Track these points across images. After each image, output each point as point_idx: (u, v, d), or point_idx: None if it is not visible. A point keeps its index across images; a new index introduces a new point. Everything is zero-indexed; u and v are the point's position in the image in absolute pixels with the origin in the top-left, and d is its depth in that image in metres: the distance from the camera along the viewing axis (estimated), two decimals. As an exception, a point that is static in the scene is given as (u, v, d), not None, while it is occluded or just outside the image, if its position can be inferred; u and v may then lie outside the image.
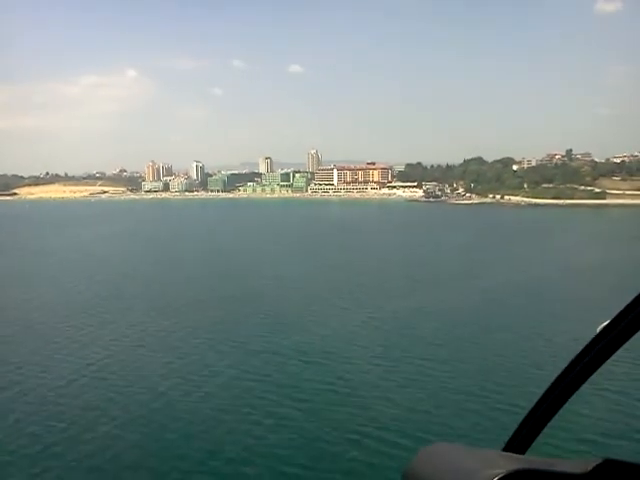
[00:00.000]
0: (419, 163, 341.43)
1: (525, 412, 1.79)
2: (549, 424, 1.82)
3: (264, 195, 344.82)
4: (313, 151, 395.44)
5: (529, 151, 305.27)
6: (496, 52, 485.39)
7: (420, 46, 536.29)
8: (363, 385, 35.57)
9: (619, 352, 1.56)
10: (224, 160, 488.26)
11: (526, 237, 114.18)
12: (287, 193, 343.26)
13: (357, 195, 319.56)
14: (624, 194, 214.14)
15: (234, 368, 39.12)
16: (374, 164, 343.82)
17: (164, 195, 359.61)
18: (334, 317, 52.71)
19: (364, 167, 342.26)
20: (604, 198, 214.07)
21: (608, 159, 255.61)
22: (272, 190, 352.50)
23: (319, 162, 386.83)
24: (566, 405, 1.76)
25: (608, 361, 1.61)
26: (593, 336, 1.60)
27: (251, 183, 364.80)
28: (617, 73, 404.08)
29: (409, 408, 31.98)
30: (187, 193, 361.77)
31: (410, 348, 42.93)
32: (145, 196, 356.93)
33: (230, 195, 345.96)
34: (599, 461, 1.41)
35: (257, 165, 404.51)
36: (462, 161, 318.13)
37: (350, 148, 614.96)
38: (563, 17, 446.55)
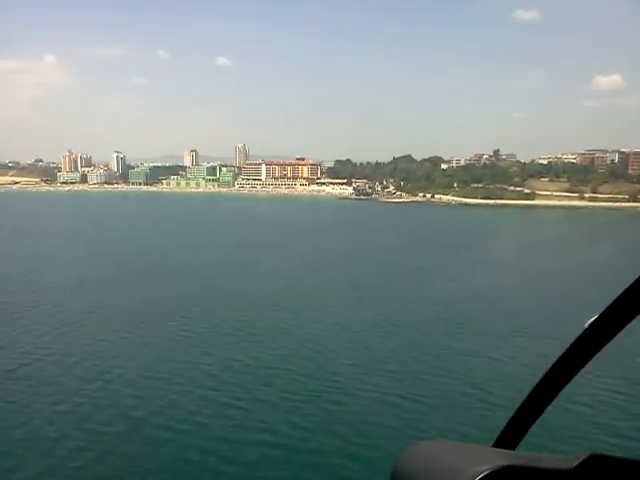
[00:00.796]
0: (348, 160, 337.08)
1: (515, 407, 1.80)
2: (540, 419, 1.83)
3: (189, 189, 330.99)
4: (240, 145, 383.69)
5: (457, 150, 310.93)
6: (421, 53, 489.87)
7: (354, 41, 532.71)
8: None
9: (606, 347, 1.61)
10: (148, 152, 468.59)
11: (467, 239, 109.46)
12: (213, 188, 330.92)
13: (285, 191, 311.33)
14: (552, 195, 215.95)
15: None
16: (303, 160, 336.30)
17: (81, 187, 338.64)
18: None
19: (293, 163, 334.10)
20: (533, 199, 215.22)
21: (533, 160, 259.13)
22: (197, 184, 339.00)
23: (247, 156, 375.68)
24: (556, 400, 1.77)
25: (596, 356, 1.66)
26: (581, 331, 1.62)
27: (175, 176, 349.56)
28: (533, 79, 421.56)
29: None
30: (106, 185, 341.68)
31: (358, 366, 37.93)
32: (61, 188, 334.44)
33: (153, 189, 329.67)
34: (586, 456, 1.43)
35: (182, 159, 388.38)
36: (392, 159, 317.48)
37: (279, 144, 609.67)
38: (484, 25, 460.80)
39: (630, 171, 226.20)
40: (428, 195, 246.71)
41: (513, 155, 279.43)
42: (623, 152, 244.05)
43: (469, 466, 1.33)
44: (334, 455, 26.56)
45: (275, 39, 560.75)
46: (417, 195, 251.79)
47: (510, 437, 1.90)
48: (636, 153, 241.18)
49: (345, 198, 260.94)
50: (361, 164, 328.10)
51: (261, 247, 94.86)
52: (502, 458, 1.37)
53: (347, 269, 75.13)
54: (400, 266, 77.62)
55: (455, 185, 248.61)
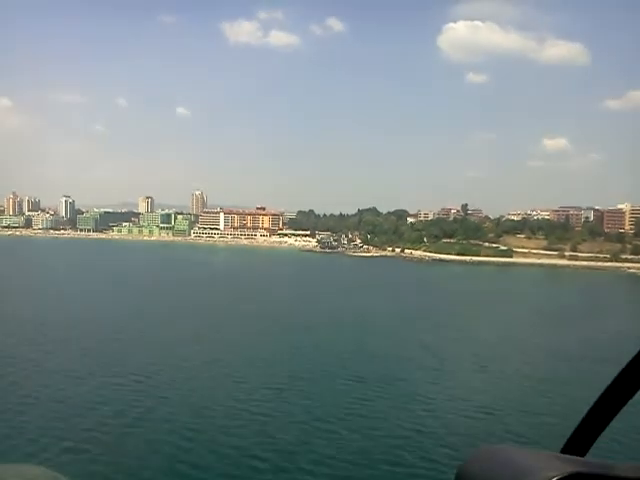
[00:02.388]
0: (311, 211, 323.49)
1: (584, 413, 1.76)
2: (610, 426, 1.76)
3: (141, 237, 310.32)
4: (198, 192, 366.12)
5: (420, 204, 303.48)
6: (385, 117, 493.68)
7: (309, 95, 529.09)
8: None
9: None
10: (103, 199, 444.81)
11: (465, 302, 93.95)
12: (167, 236, 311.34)
13: (245, 242, 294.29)
14: (530, 253, 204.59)
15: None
16: (264, 209, 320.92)
17: (25, 232, 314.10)
18: None
19: (253, 212, 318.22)
20: (511, 256, 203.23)
21: (502, 216, 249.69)
22: (150, 232, 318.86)
23: (204, 205, 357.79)
24: (629, 406, 1.68)
25: None
26: None
27: (127, 223, 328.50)
28: (484, 139, 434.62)
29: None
30: (52, 231, 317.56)
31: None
32: (2, 232, 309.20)
33: (102, 235, 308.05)
34: None
35: (137, 205, 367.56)
36: (356, 211, 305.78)
37: (239, 194, 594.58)
38: (437, 88, 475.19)
39: (606, 229, 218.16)
40: (397, 249, 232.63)
41: (479, 210, 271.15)
42: (597, 209, 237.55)
43: (539, 471, 1.29)
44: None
45: (229, 92, 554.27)
46: (385, 249, 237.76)
47: (579, 444, 1.81)
48: (610, 211, 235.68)
49: (309, 251, 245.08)
50: (324, 215, 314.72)
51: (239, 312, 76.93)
52: (573, 464, 1.32)
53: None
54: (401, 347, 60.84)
55: (425, 240, 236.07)
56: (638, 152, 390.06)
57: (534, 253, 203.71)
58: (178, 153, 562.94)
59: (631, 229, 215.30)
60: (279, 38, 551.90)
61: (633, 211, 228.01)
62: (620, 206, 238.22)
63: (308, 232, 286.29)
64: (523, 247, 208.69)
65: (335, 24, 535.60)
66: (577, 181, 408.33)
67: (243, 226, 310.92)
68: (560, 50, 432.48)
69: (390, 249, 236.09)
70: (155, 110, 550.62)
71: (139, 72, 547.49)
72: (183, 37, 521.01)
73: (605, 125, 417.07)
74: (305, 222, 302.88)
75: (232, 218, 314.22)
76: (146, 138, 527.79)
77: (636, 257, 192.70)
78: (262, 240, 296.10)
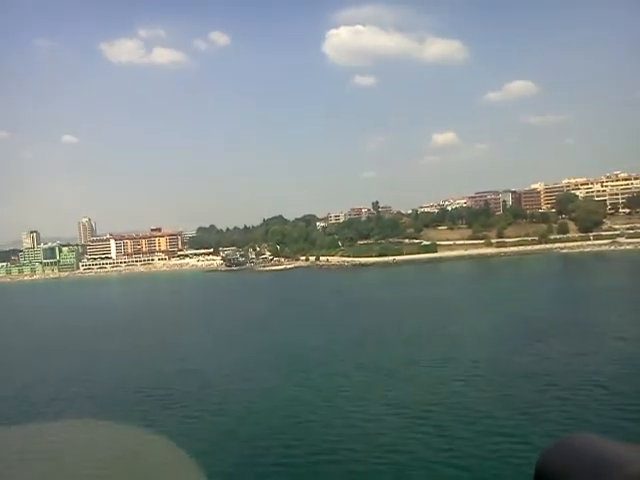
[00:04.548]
0: (212, 226, 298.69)
1: None
2: None
3: (22, 277, 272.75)
4: (85, 220, 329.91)
5: (328, 208, 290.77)
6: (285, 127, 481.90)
7: (200, 110, 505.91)
8: None
9: None
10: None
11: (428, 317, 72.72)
12: (53, 272, 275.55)
13: (142, 268, 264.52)
14: (455, 244, 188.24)
15: None
16: (160, 230, 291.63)
17: None
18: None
19: (148, 235, 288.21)
20: (436, 250, 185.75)
21: (415, 210, 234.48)
22: (33, 270, 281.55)
23: (93, 233, 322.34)
24: None
25: None
26: None
27: (3, 263, 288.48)
28: (378, 140, 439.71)
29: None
30: None
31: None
32: None
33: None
34: None
35: (21, 242, 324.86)
36: (262, 221, 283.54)
37: (131, 219, 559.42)
38: (327, 94, 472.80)
39: (528, 210, 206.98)
40: (312, 258, 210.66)
41: (389, 207, 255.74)
42: (514, 192, 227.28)
43: (630, 461, 1.24)
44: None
45: (114, 116, 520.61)
46: (299, 259, 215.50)
47: None
48: (527, 192, 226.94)
49: (214, 270, 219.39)
50: (228, 230, 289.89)
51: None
52: None
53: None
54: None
55: (340, 244, 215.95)
56: (519, 139, 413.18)
57: (459, 244, 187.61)
58: (65, 183, 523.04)
59: (548, 208, 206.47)
60: (163, 55, 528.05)
61: (547, 190, 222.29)
62: (534, 186, 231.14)
63: (211, 250, 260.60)
64: (447, 239, 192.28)
65: (219, 38, 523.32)
66: (468, 171, 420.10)
67: (138, 251, 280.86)
68: (440, 48, 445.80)
69: (304, 258, 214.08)
70: (39, 140, 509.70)
71: (18, 100, 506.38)
72: (62, 61, 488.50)
73: (488, 116, 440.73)
74: (207, 239, 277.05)
75: (125, 244, 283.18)
76: (31, 169, 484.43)
77: (564, 236, 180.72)
78: (161, 264, 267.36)
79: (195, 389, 45.59)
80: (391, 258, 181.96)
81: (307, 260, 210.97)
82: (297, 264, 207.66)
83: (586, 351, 50.53)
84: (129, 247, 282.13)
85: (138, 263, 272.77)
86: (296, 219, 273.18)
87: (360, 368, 49.22)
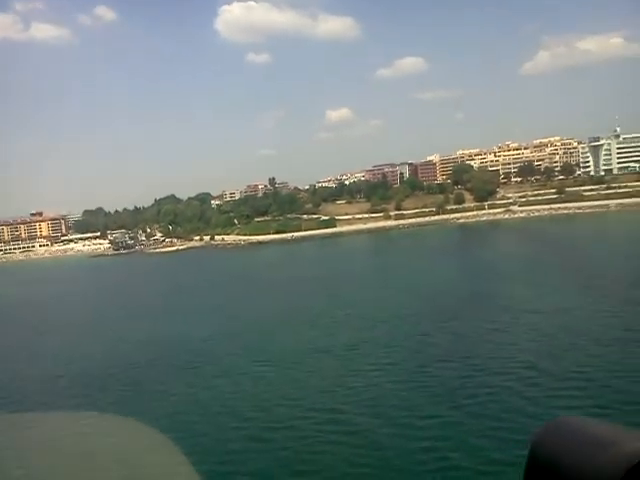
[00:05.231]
0: (100, 209, 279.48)
1: None
2: None
3: None
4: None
5: (224, 186, 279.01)
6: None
7: (84, 88, 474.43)
8: None
9: None
10: None
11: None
12: None
13: (21, 257, 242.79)
14: (354, 219, 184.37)
15: None
16: (41, 215, 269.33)
17: None
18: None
19: (27, 220, 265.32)
20: (335, 225, 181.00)
21: (313, 185, 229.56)
22: None
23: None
24: None
25: None
26: None
27: None
28: (274, 117, 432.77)
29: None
30: None
31: None
32: None
33: None
34: None
35: None
36: (153, 201, 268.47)
37: (9, 205, 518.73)
38: (221, 71, 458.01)
39: (425, 182, 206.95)
40: (207, 237, 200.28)
41: (286, 183, 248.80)
42: (411, 164, 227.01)
43: (623, 443, 1.26)
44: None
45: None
46: (192, 239, 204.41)
47: None
48: (423, 164, 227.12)
49: (100, 255, 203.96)
50: (117, 212, 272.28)
51: None
52: None
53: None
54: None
55: (236, 221, 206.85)
56: (412, 114, 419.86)
57: (358, 218, 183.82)
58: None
59: (444, 179, 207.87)
60: (44, 30, 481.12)
61: (442, 161, 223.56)
62: (430, 158, 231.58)
63: (98, 233, 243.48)
64: (346, 213, 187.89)
65: (105, 13, 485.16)
66: (365, 146, 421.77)
67: (17, 238, 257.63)
68: (332, 25, 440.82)
69: (198, 238, 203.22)
70: None
71: None
72: None
73: (380, 92, 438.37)
74: (94, 222, 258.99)
75: (1, 231, 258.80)
76: None
77: (460, 206, 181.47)
78: (43, 251, 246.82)
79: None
80: (289, 235, 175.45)
81: (201, 240, 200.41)
82: (191, 244, 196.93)
83: (502, 327, 46.27)
84: (5, 234, 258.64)
85: (17, 251, 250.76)
86: (190, 198, 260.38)
87: (259, 361, 42.21)
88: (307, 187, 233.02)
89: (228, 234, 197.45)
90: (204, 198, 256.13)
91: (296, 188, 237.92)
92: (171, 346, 48.60)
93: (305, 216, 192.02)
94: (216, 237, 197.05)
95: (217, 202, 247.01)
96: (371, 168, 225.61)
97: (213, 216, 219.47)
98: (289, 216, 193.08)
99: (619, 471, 1.21)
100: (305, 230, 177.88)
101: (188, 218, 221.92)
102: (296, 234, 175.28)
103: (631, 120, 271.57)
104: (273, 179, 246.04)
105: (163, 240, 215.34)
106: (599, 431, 1.37)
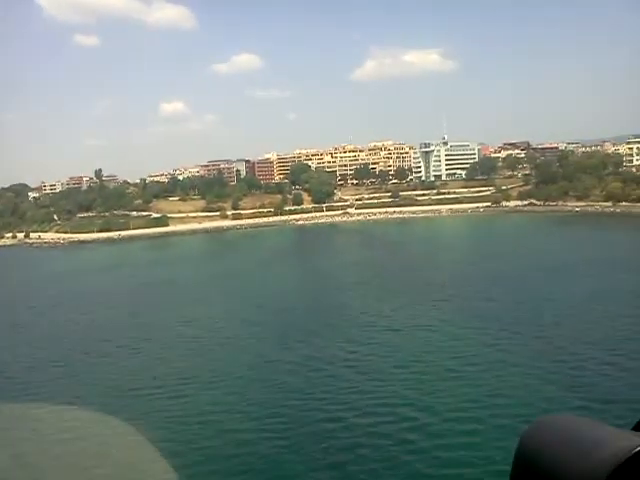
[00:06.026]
0: None
1: None
2: None
3: None
4: None
5: (43, 177, 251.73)
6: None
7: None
8: None
9: None
10: None
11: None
12: None
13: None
14: (188, 217, 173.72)
15: None
16: None
17: None
18: None
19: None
20: (167, 224, 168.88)
21: (144, 180, 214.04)
22: None
23: None
24: None
25: None
26: None
27: None
28: (103, 106, 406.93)
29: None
30: None
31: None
32: None
33: None
34: None
35: None
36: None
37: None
38: (43, 52, 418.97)
39: (262, 181, 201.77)
40: (20, 235, 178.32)
41: (115, 176, 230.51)
42: (248, 161, 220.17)
43: (615, 441, 1.26)
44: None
45: None
46: (3, 236, 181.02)
47: None
48: (260, 162, 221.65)
49: None
50: None
51: None
52: None
53: None
54: None
55: (56, 217, 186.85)
56: (247, 112, 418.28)
57: (193, 217, 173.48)
58: None
59: (281, 178, 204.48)
60: None
61: (280, 160, 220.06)
62: (267, 156, 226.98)
63: None
64: (179, 211, 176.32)
65: None
66: (200, 141, 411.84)
67: None
68: (167, 13, 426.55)
69: (10, 235, 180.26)
70: None
71: None
72: None
73: (216, 88, 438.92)
74: None
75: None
76: None
77: (299, 207, 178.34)
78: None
79: None
80: (116, 233, 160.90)
81: (14, 237, 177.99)
82: (0, 243, 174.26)
83: (357, 347, 41.44)
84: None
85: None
86: (2, 189, 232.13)
87: (50, 408, 33.40)
88: (138, 181, 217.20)
89: (46, 231, 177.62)
90: (19, 190, 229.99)
91: (125, 182, 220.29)
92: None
93: (135, 213, 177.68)
94: (32, 234, 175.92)
95: (35, 195, 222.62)
96: (206, 163, 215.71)
97: (29, 210, 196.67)
98: (116, 212, 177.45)
99: (605, 470, 1.21)
100: (134, 228, 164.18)
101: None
102: (123, 233, 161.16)
103: (456, 128, 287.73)
104: (100, 171, 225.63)
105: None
106: (587, 429, 1.37)
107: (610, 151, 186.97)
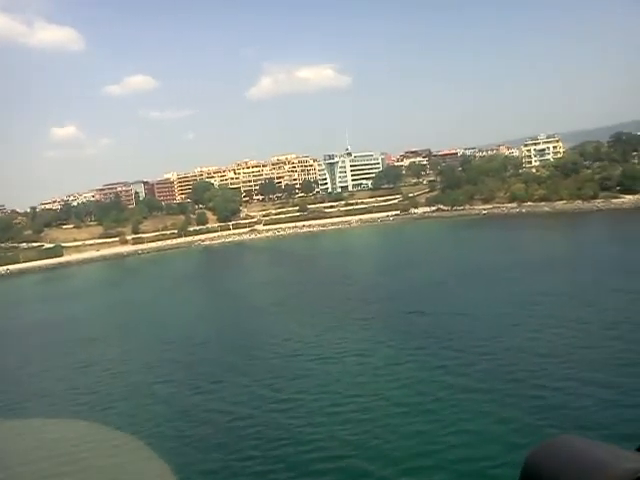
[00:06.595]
0: None
1: None
2: None
3: None
4: None
5: None
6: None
7: None
8: None
9: None
10: None
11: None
12: None
13: None
14: (84, 245, 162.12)
15: None
16: None
17: None
18: None
19: None
20: (62, 254, 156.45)
21: (34, 208, 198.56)
22: None
23: None
24: None
25: None
26: None
27: None
28: None
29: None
30: None
31: None
32: None
33: None
34: None
35: None
36: None
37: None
38: None
39: (163, 202, 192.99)
40: None
41: (1, 206, 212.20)
42: (147, 182, 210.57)
43: (619, 462, 1.24)
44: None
45: None
46: None
47: None
48: (160, 182, 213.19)
49: None
50: None
51: None
52: None
53: None
54: None
55: None
56: (143, 133, 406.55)
57: (89, 244, 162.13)
58: None
59: (183, 198, 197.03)
60: None
61: (180, 179, 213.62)
62: (167, 176, 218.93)
63: None
64: (75, 239, 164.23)
65: None
66: (95, 165, 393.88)
67: None
68: (52, 34, 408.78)
69: None
70: None
71: None
72: None
73: (110, 110, 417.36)
74: None
75: None
76: None
77: (204, 227, 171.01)
78: None
79: None
80: (4, 268, 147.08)
81: None
82: None
83: (284, 384, 36.15)
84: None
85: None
86: None
87: None
88: (28, 210, 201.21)
89: None
90: None
91: (14, 211, 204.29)
92: None
93: (24, 244, 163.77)
94: None
95: None
96: (102, 187, 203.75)
97: None
98: (3, 245, 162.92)
99: None
100: (24, 261, 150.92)
101: None
102: (12, 267, 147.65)
103: (358, 140, 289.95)
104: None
105: None
106: (593, 451, 1.36)
107: (506, 154, 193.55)
